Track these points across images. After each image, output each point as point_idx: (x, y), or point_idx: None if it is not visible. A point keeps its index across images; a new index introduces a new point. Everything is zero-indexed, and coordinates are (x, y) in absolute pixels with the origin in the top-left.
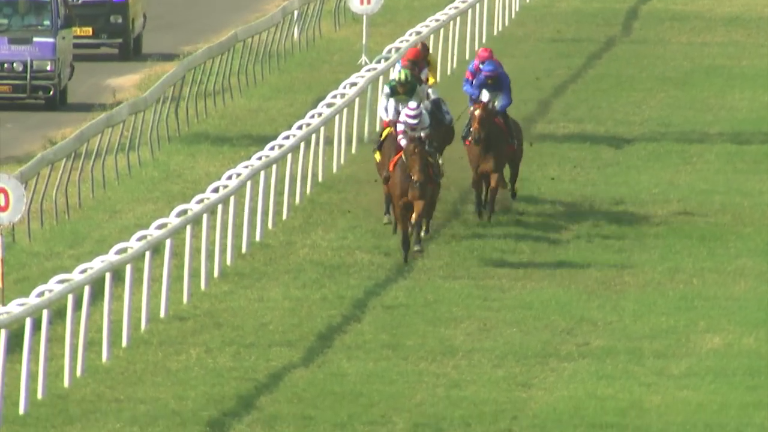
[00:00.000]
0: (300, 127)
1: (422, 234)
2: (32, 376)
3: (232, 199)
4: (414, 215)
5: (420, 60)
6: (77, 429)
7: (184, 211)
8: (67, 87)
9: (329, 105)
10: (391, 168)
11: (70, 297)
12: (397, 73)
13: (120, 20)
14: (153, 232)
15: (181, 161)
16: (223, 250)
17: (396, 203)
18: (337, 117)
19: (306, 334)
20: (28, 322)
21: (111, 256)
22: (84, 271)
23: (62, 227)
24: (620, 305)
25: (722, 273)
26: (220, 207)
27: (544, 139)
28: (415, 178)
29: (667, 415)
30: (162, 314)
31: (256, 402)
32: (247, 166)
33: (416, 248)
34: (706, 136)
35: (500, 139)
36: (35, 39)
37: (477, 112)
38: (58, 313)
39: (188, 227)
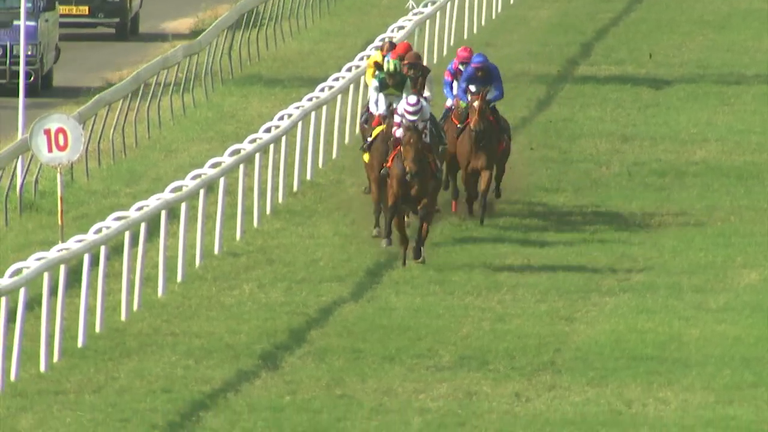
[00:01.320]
0: (349, 69)
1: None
2: (90, 311)
3: (283, 139)
4: (419, 208)
5: (412, 56)
6: (134, 362)
7: (238, 151)
8: (53, 71)
9: (377, 48)
10: (390, 163)
11: (127, 234)
12: (386, 64)
13: None
14: (207, 171)
15: (234, 102)
16: (275, 189)
17: (393, 200)
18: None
19: (355, 270)
20: (86, 258)
21: (166, 195)
22: (140, 208)
23: (119, 166)
24: (660, 242)
25: (759, 210)
26: (272, 146)
27: (586, 81)
28: (407, 168)
29: (705, 348)
30: (216, 251)
31: (307, 335)
32: (298, 107)
33: (418, 256)
34: (743, 78)
35: (492, 136)
36: (15, 22)
37: (476, 103)
38: (115, 250)
39: (241, 166)
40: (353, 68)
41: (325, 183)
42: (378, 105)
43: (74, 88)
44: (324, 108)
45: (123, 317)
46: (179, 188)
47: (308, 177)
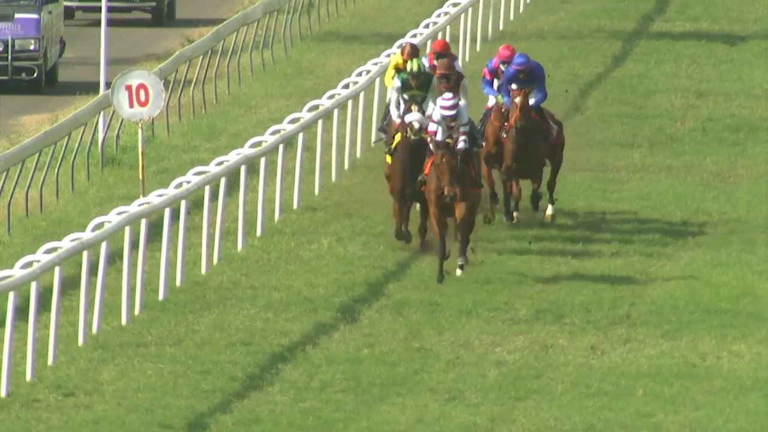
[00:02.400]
0: (427, 26)
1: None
2: (171, 264)
3: (361, 95)
4: (458, 217)
5: (447, 52)
6: (214, 314)
7: (316, 107)
8: (57, 66)
9: (455, 5)
10: (427, 171)
11: (207, 188)
12: (409, 64)
13: None
14: (286, 127)
15: (313, 58)
16: (353, 144)
17: (432, 208)
18: (462, 16)
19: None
20: (167, 212)
21: (246, 150)
22: (220, 163)
23: (199, 121)
24: (734, 196)
25: None
26: (350, 102)
27: (661, 37)
28: (445, 191)
29: None
30: (294, 205)
31: (385, 289)
32: (376, 63)
33: (460, 262)
34: None
35: (537, 136)
36: (17, 15)
37: (518, 99)
38: (195, 204)
39: (320, 122)
40: (431, 24)
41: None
42: (399, 107)
43: (83, 83)
44: None
45: (203, 271)
46: (258, 143)
47: (373, 140)
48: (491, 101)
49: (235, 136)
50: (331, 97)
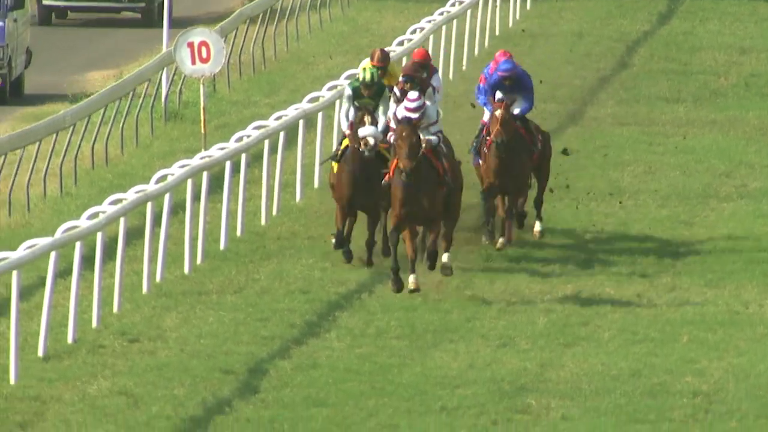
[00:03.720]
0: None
1: (444, 258)
2: (232, 215)
3: None
4: (431, 235)
5: (427, 63)
6: (273, 264)
7: None
8: (23, 76)
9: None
10: (391, 174)
11: (266, 142)
12: (361, 72)
13: None
14: (342, 82)
15: (368, 17)
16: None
17: (396, 215)
18: None
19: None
20: (227, 165)
21: (304, 105)
22: (279, 118)
23: (259, 78)
24: None
25: None
26: (404, 59)
27: None
28: (401, 165)
29: None
30: None
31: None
32: (430, 21)
33: (444, 262)
34: None
35: (521, 149)
36: None
37: (498, 112)
38: (255, 157)
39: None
40: None
41: (454, 94)
42: (348, 117)
43: (48, 95)
44: (454, 22)
45: (263, 222)
46: (316, 99)
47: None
48: (487, 115)
49: (293, 91)
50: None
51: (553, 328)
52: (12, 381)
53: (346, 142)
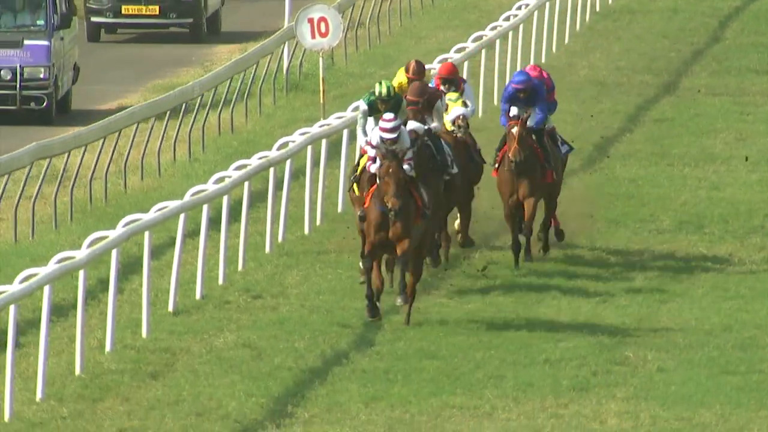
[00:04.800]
0: None
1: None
2: (348, 180)
3: (521, 26)
4: (398, 254)
5: (454, 77)
6: None
7: (480, 37)
8: (71, 93)
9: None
10: (366, 203)
11: (345, 131)
12: (377, 86)
13: None
14: (453, 56)
15: None
16: (512, 69)
17: (369, 248)
18: None
19: (585, 144)
20: (345, 133)
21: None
22: None
23: (374, 51)
24: None
25: None
26: (510, 33)
27: None
28: (389, 204)
29: None
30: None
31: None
32: None
33: (398, 301)
34: None
35: (535, 165)
36: (26, 42)
37: (515, 130)
38: None
39: (483, 51)
40: None
41: (558, 65)
42: (366, 132)
43: (92, 111)
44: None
45: None
46: (428, 70)
47: (543, 60)
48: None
49: (404, 64)
50: (494, 28)
51: (649, 286)
52: (144, 334)
53: (363, 160)
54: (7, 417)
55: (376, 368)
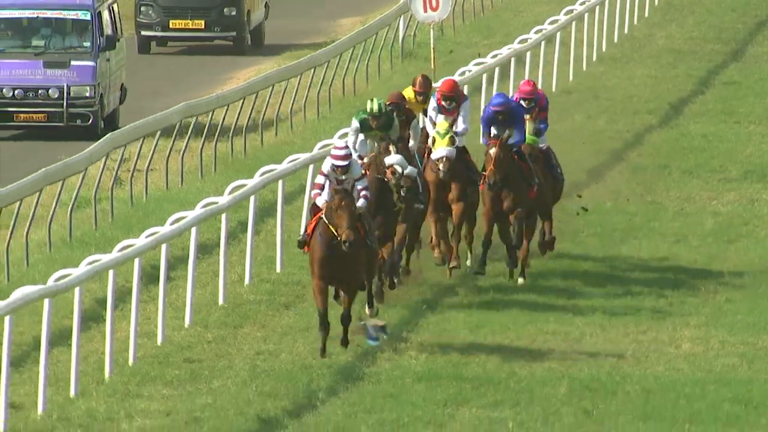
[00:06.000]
0: None
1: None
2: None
3: (607, 1)
4: (344, 299)
5: (455, 94)
6: None
7: (571, 11)
8: (118, 111)
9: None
10: (310, 230)
11: (483, 76)
12: (369, 103)
13: (234, 12)
14: (546, 27)
15: None
16: (599, 40)
17: (315, 274)
18: None
19: (662, 104)
20: None
21: (516, 45)
22: (495, 56)
23: (478, 23)
24: None
25: None
26: (597, 8)
27: None
28: (344, 236)
29: None
30: (553, 89)
31: (624, 155)
32: None
33: (364, 322)
34: None
35: (518, 182)
36: (73, 62)
37: (492, 151)
38: (475, 88)
39: (573, 23)
40: None
41: (639, 36)
42: (357, 149)
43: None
44: None
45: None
46: (525, 40)
47: (625, 31)
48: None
49: (506, 35)
50: (583, 3)
51: (718, 228)
52: (278, 269)
53: None
54: (159, 341)
55: (480, 300)
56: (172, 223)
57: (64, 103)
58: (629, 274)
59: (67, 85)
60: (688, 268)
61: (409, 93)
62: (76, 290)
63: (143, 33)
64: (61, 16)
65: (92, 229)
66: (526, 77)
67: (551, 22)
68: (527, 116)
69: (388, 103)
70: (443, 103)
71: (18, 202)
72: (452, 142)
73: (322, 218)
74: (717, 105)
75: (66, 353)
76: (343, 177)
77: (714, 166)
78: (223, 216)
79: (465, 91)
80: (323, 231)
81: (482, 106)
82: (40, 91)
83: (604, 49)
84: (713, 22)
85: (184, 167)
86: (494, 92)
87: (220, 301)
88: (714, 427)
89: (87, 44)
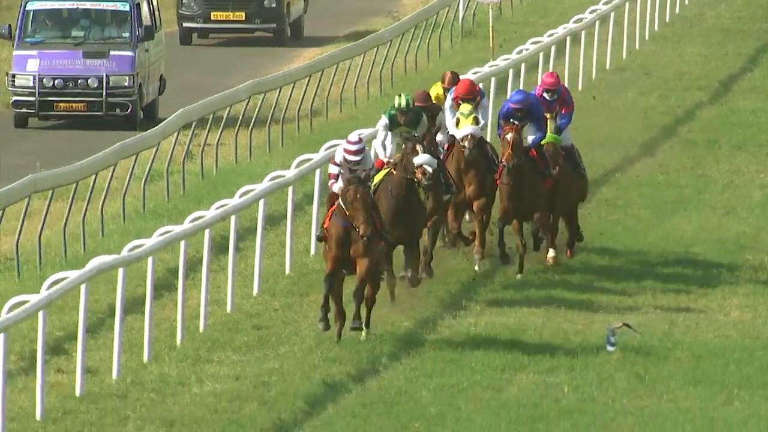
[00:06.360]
0: None
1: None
2: None
3: None
4: (357, 277)
5: (472, 95)
6: None
7: None
8: (157, 102)
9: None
10: (326, 223)
11: (540, 54)
12: (397, 99)
13: (274, 5)
14: (601, 7)
15: None
16: (651, 18)
17: (331, 266)
18: None
19: (712, 81)
20: (510, 72)
21: (571, 25)
22: (551, 35)
23: (535, 3)
24: None
25: None
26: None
27: None
28: (361, 230)
29: None
30: (607, 67)
31: (675, 130)
32: None
33: (353, 324)
34: None
35: (534, 174)
36: (112, 53)
37: (509, 136)
38: (532, 66)
39: (627, 3)
40: None
41: (690, 15)
42: (386, 147)
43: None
44: None
45: None
46: (580, 20)
47: (676, 11)
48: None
49: (561, 14)
50: None
51: (766, 200)
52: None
53: (381, 174)
54: (228, 309)
55: (535, 269)
56: (241, 196)
57: (103, 93)
58: (680, 244)
59: (106, 75)
60: (736, 238)
61: (438, 89)
62: (149, 260)
63: (185, 25)
64: (101, 7)
65: (164, 201)
66: (581, 56)
67: (605, 2)
68: (548, 114)
69: (415, 102)
70: (459, 101)
71: (94, 176)
72: (476, 121)
73: (339, 204)
74: (765, 82)
75: (139, 320)
76: (356, 168)
77: (762, 140)
78: (290, 189)
79: (522, 71)
80: (341, 214)
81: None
82: (79, 81)
83: (656, 28)
84: (761, 1)
85: (253, 142)
86: (550, 70)
87: (287, 271)
88: (763, 392)
89: (126, 35)
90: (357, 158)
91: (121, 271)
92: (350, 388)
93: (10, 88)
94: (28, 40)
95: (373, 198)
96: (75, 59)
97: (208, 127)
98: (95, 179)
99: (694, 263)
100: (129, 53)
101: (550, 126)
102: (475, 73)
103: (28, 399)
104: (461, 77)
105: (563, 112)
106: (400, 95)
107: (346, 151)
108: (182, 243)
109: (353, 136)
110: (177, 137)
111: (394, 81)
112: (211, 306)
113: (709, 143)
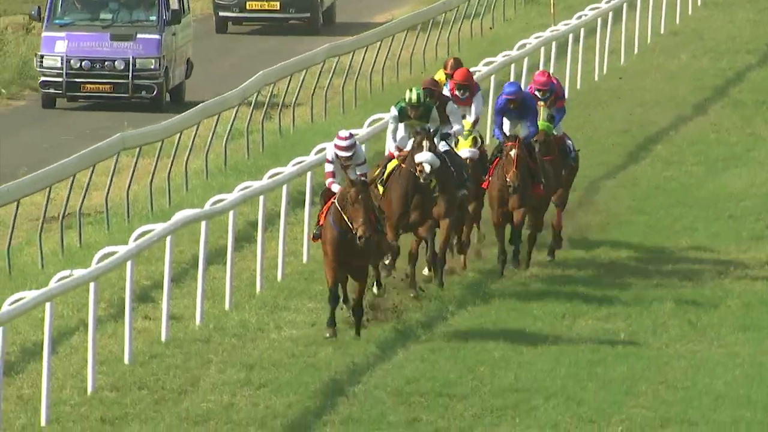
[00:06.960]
0: None
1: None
2: (572, 75)
3: None
4: (356, 293)
5: (469, 83)
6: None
7: None
8: (184, 85)
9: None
10: (321, 220)
11: (599, 20)
12: (408, 92)
13: None
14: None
15: None
16: (667, 12)
17: (332, 269)
18: None
19: (761, 45)
20: (570, 37)
21: (598, 11)
22: (609, 1)
23: None
24: None
25: None
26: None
27: None
28: (359, 231)
29: None
30: (661, 31)
31: (726, 91)
32: None
33: (353, 316)
34: None
35: (529, 181)
36: (139, 35)
37: (513, 152)
38: (591, 31)
39: None
40: None
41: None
42: (395, 138)
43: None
44: None
45: (596, 78)
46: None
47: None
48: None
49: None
50: None
51: None
52: None
53: (391, 165)
54: (305, 259)
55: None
56: (317, 153)
57: (130, 75)
58: (730, 198)
59: (133, 57)
60: None
61: (440, 75)
62: (231, 213)
63: (221, 14)
64: None
65: (245, 158)
66: (637, 21)
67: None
68: (541, 103)
69: (456, 84)
70: (457, 92)
71: (178, 134)
72: (475, 142)
73: (334, 204)
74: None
75: (221, 270)
76: (348, 163)
77: None
78: (363, 146)
79: (581, 35)
80: (336, 218)
81: (596, 53)
82: (106, 63)
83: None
84: None
85: (328, 103)
86: (607, 36)
87: None
88: None
89: (153, 18)
90: (348, 153)
91: (203, 223)
92: (419, 334)
93: (39, 69)
94: (57, 21)
95: (374, 203)
96: (102, 41)
97: (286, 88)
98: (180, 137)
99: (744, 216)
100: (155, 36)
101: (543, 113)
102: (537, 37)
103: (117, 344)
104: (463, 65)
105: (558, 106)
106: (411, 89)
107: (337, 146)
108: (261, 197)
109: (343, 132)
110: (256, 97)
111: (461, 45)
112: (289, 257)
113: (757, 103)
